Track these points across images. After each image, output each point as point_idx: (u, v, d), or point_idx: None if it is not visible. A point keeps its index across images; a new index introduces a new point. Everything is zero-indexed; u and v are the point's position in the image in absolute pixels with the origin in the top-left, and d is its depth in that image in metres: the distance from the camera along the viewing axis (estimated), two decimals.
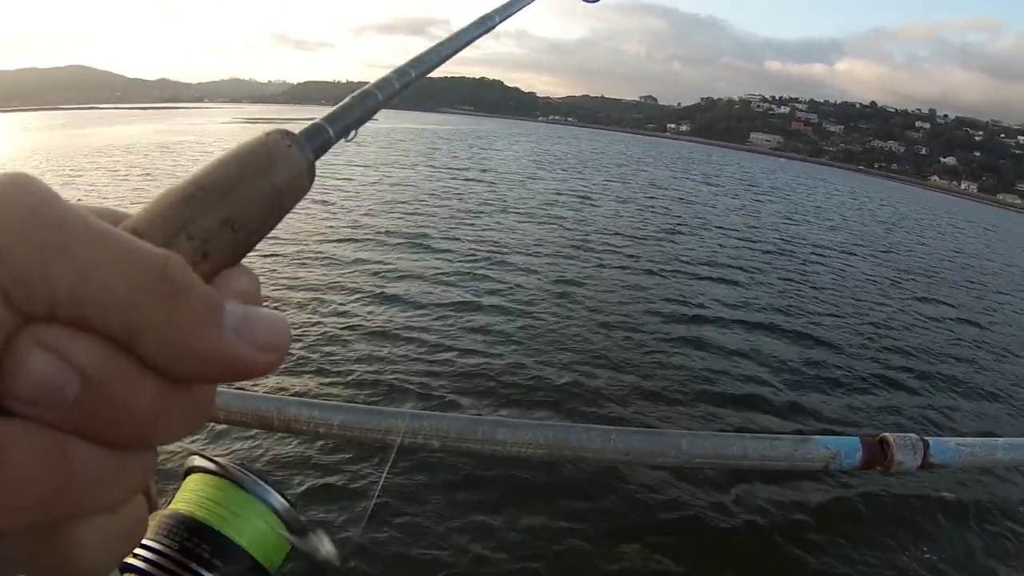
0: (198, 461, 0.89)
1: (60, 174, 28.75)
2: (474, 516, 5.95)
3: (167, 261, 0.31)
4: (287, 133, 0.43)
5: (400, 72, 0.65)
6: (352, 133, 0.54)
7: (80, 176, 28.37)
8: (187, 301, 0.31)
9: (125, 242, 0.31)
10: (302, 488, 6.01)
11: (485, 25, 0.89)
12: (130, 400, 0.30)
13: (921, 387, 10.62)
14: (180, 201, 0.36)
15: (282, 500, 0.87)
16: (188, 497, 0.85)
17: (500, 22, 0.95)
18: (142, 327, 0.30)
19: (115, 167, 32.72)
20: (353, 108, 0.55)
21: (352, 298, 11.61)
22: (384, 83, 0.62)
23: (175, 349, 0.31)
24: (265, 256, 13.91)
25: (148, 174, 29.92)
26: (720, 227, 26.37)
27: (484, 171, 39.26)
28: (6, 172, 0.30)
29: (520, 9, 1.10)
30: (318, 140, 0.48)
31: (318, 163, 0.46)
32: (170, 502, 0.87)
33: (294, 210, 0.42)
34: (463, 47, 0.81)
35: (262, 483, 0.86)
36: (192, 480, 0.88)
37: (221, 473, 0.87)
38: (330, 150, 0.50)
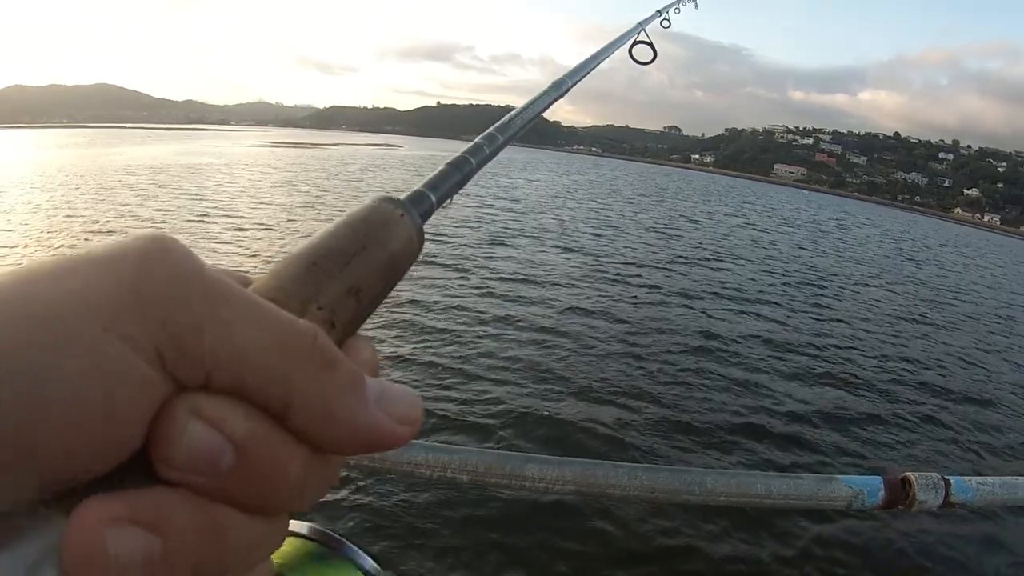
0: (290, 525, 0.91)
1: (92, 192, 28.98)
2: (492, 549, 5.96)
3: (316, 334, 0.32)
4: (398, 201, 0.44)
5: (489, 137, 0.69)
6: (450, 200, 0.56)
7: (112, 194, 28.55)
8: (336, 373, 0.32)
9: (276, 313, 0.32)
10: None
11: (559, 89, 0.96)
12: (282, 470, 0.31)
13: (944, 424, 10.53)
14: (306, 270, 0.36)
15: (373, 564, 0.88)
16: (281, 559, 0.87)
17: (572, 85, 1.01)
18: (296, 398, 0.30)
19: (143, 186, 32.95)
20: (451, 174, 0.57)
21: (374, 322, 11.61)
22: (475, 149, 0.65)
23: (325, 420, 0.31)
24: None
25: (177, 195, 30.06)
26: (747, 259, 26.31)
27: (515, 200, 39.30)
28: (150, 234, 0.31)
29: (589, 72, 1.15)
30: (423, 206, 0.49)
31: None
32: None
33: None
34: (542, 111, 0.88)
35: (354, 547, 0.88)
36: (284, 545, 0.89)
37: (313, 537, 0.88)
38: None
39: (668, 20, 2.39)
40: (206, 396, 0.29)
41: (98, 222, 20.76)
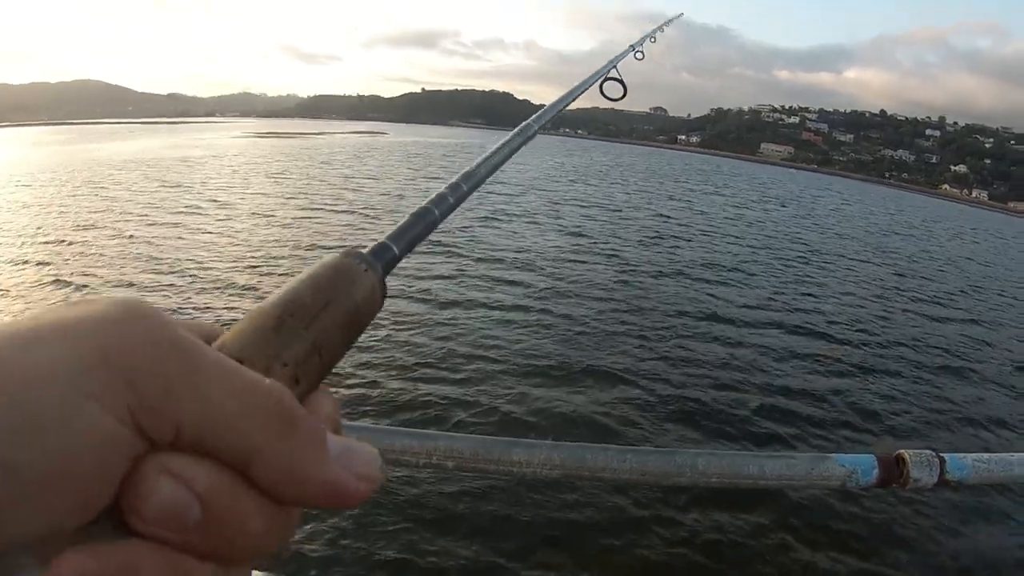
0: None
1: (80, 188, 29.20)
2: (483, 535, 5.96)
3: (281, 394, 0.34)
4: (360, 255, 0.46)
5: (453, 187, 0.69)
6: (412, 251, 0.57)
7: (100, 190, 28.69)
8: (299, 432, 0.34)
9: (242, 374, 0.33)
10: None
11: (525, 135, 0.96)
12: (246, 523, 0.32)
13: (938, 401, 10.57)
14: (272, 328, 0.37)
15: None
16: None
17: (538, 129, 1.00)
18: (260, 455, 0.32)
19: (131, 180, 33.21)
20: (414, 225, 0.58)
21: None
22: (439, 199, 0.65)
23: (287, 475, 0.33)
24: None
25: (166, 187, 30.41)
26: (733, 236, 26.41)
27: (502, 183, 39.33)
28: (121, 299, 0.32)
29: (556, 114, 1.14)
30: (386, 258, 0.50)
31: None
32: None
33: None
34: (508, 158, 0.88)
35: None
36: None
37: None
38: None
39: (642, 52, 2.39)
40: (175, 455, 0.31)
41: (88, 219, 20.84)
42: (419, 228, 0.58)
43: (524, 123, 0.98)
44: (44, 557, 0.28)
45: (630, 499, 6.53)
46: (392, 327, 10.85)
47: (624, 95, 1.92)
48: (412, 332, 10.77)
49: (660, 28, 2.81)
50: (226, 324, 0.33)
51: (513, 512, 6.21)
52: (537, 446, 1.26)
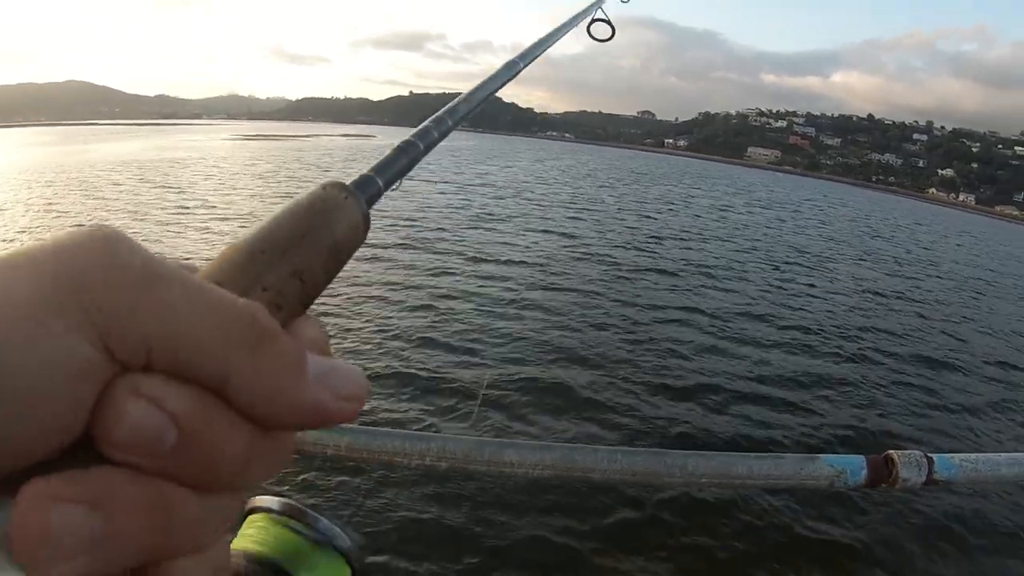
0: (260, 501, 0.89)
1: (72, 189, 29.04)
2: (470, 536, 5.96)
3: (256, 311, 0.33)
4: (342, 185, 0.44)
5: (437, 120, 0.68)
6: (398, 183, 0.56)
7: (93, 191, 28.61)
8: (276, 350, 0.32)
9: (214, 292, 0.32)
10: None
11: (511, 71, 0.93)
12: (225, 446, 0.31)
13: (926, 401, 10.61)
14: (251, 254, 0.37)
15: (344, 536, 0.87)
16: (254, 537, 0.85)
17: (524, 67, 0.98)
18: (235, 375, 0.31)
19: (123, 181, 33.13)
20: (398, 158, 0.57)
21: (366, 304, 11.61)
22: (423, 132, 0.64)
23: (266, 396, 0.32)
24: None
25: (158, 188, 30.32)
26: (720, 239, 26.50)
27: (491, 186, 39.27)
28: (90, 227, 0.31)
29: (543, 51, 1.13)
30: (370, 190, 0.49)
31: None
32: (232, 542, 0.86)
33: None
34: (493, 92, 0.86)
35: (325, 520, 0.86)
36: (255, 520, 0.87)
37: (283, 511, 0.86)
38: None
39: None
40: (145, 375, 0.30)
41: (75, 221, 20.74)
42: (403, 161, 0.57)
43: (510, 59, 0.97)
44: (15, 488, 0.27)
45: (620, 499, 6.54)
46: (378, 323, 10.85)
47: (612, 36, 1.91)
48: (401, 335, 10.76)
49: None
50: None
51: (504, 513, 6.22)
52: (529, 447, 1.27)
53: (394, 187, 0.55)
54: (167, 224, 20.35)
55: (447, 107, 0.73)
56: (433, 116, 0.69)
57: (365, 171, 0.51)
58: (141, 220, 20.87)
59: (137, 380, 0.29)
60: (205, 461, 0.30)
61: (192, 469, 0.30)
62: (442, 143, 0.68)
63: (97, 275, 0.29)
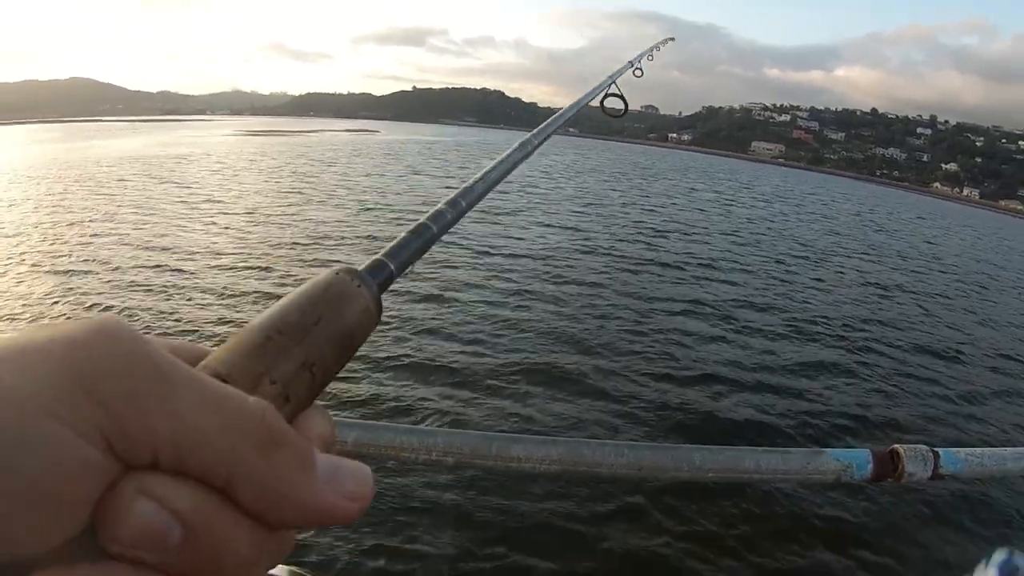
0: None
1: (82, 186, 29.21)
2: (480, 530, 5.97)
3: (264, 411, 0.32)
4: (355, 272, 0.44)
5: (451, 203, 0.68)
6: (411, 267, 0.55)
7: (106, 188, 28.70)
8: (284, 451, 0.32)
9: (222, 392, 0.32)
10: None
11: (525, 150, 0.95)
12: (230, 546, 0.31)
13: (932, 395, 10.60)
14: (260, 345, 0.36)
15: None
16: None
17: (538, 144, 0.99)
18: (242, 475, 0.31)
19: (129, 177, 33.45)
20: (411, 242, 0.57)
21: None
22: (437, 215, 0.64)
23: (273, 497, 0.32)
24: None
25: (164, 183, 30.66)
26: (724, 232, 26.49)
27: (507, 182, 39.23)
28: (95, 318, 0.31)
29: (556, 129, 1.14)
30: (381, 276, 0.49)
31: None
32: None
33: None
34: (508, 173, 0.87)
35: None
36: None
37: None
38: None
39: (641, 69, 2.40)
40: (152, 474, 0.29)
41: (80, 217, 20.93)
42: (416, 245, 0.57)
43: (524, 138, 0.98)
44: None
45: (627, 494, 6.54)
46: (388, 321, 10.85)
47: (625, 111, 1.93)
48: (408, 327, 10.76)
49: (657, 47, 2.83)
50: (216, 337, 0.34)
51: (511, 507, 6.22)
52: (536, 442, 1.27)
53: (407, 272, 0.54)
54: (173, 220, 20.42)
55: (461, 188, 0.73)
56: (447, 198, 0.69)
57: (377, 256, 0.51)
58: (149, 216, 20.99)
59: (143, 479, 0.29)
60: (210, 560, 0.30)
61: (197, 567, 0.30)
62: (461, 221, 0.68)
63: (106, 375, 0.29)
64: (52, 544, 0.28)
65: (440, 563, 5.55)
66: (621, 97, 1.91)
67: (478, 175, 0.78)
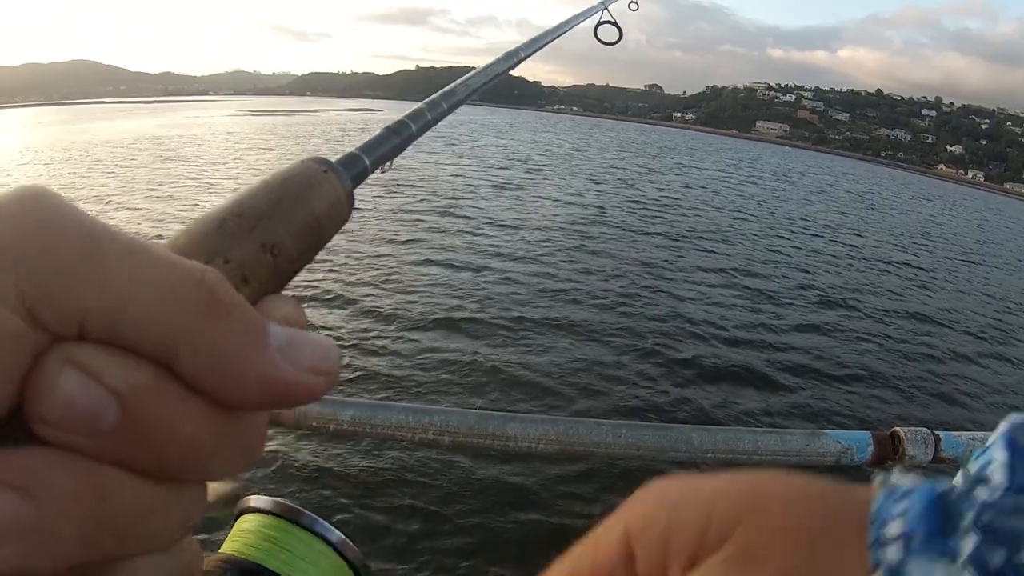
0: (252, 501, 0.86)
1: (92, 167, 29.24)
2: (476, 514, 5.97)
3: (204, 273, 0.29)
4: (323, 160, 0.42)
5: (431, 104, 0.67)
6: (387, 164, 0.54)
7: (117, 168, 28.65)
8: (228, 316, 0.29)
9: (157, 253, 0.29)
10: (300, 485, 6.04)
11: (512, 59, 0.92)
12: (175, 425, 0.27)
13: (934, 379, 10.59)
14: (216, 225, 0.34)
15: (343, 538, 0.84)
16: (244, 539, 0.82)
17: (525, 57, 0.97)
18: (182, 344, 0.28)
19: (138, 157, 33.48)
20: (388, 138, 0.54)
21: (372, 283, 11.60)
22: (417, 114, 0.63)
23: (218, 369, 0.28)
24: None
25: (172, 162, 30.70)
26: (729, 210, 26.47)
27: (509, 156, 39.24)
28: (19, 186, 0.28)
29: (546, 44, 1.11)
30: (355, 169, 0.47)
31: None
32: (222, 545, 0.84)
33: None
34: (491, 81, 0.85)
35: (323, 522, 0.83)
36: (246, 521, 0.84)
37: (278, 512, 0.83)
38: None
39: (636, 3, 2.33)
40: (82, 345, 0.26)
41: (94, 195, 21.05)
42: (394, 142, 0.55)
43: (512, 48, 0.96)
44: None
45: (623, 474, 6.54)
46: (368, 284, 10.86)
47: (620, 39, 1.88)
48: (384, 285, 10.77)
49: None
50: None
51: (508, 486, 6.23)
52: (532, 421, 1.26)
53: (383, 168, 0.53)
54: (182, 201, 20.50)
55: (443, 90, 0.72)
56: (428, 99, 0.68)
57: (351, 149, 0.49)
58: (159, 197, 21.03)
59: (71, 349, 0.26)
60: (153, 443, 0.27)
61: (138, 452, 0.27)
62: (450, 116, 0.67)
63: (28, 236, 0.26)
64: None
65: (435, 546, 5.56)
66: (615, 25, 1.86)
67: (461, 80, 0.77)
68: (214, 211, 0.36)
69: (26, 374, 0.26)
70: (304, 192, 0.39)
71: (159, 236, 14.00)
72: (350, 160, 0.47)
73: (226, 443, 0.30)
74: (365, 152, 0.50)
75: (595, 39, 1.89)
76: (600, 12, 1.82)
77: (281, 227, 0.36)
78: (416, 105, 0.65)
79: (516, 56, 0.96)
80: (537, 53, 1.00)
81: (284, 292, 0.38)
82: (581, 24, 1.60)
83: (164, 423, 0.27)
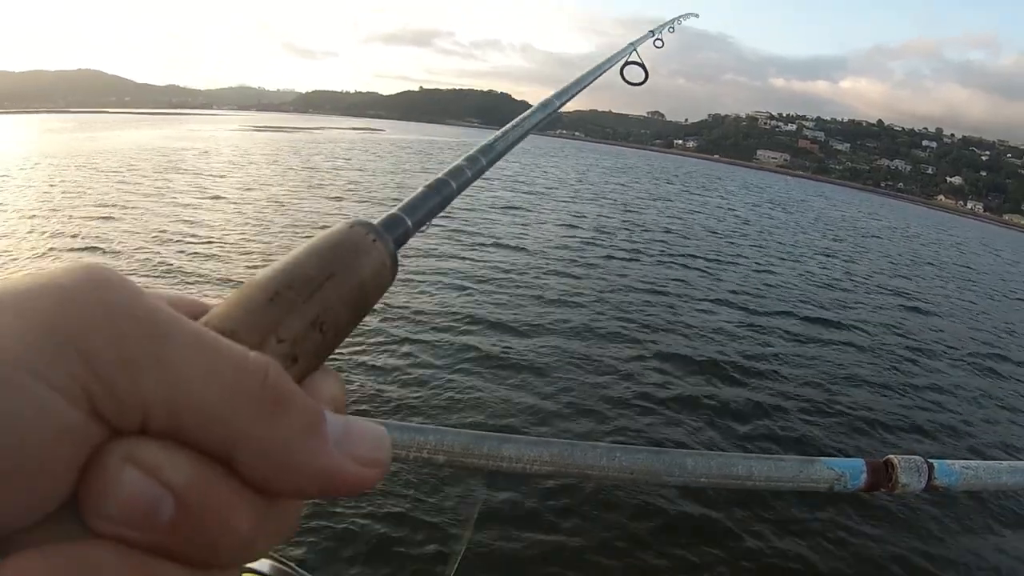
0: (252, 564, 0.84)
1: (99, 174, 29.44)
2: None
3: (267, 369, 0.29)
4: (370, 226, 0.41)
5: (471, 160, 0.66)
6: (428, 224, 0.53)
7: (123, 177, 28.92)
8: (291, 413, 0.29)
9: (221, 346, 0.29)
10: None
11: (546, 110, 0.93)
12: (229, 521, 0.28)
13: (929, 410, 10.58)
14: (267, 299, 0.34)
15: None
16: None
17: (560, 105, 0.98)
18: (242, 441, 0.28)
19: (143, 167, 33.86)
20: (429, 197, 0.54)
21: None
22: (457, 171, 0.61)
23: (277, 464, 0.28)
24: None
25: (176, 174, 31.04)
26: (720, 235, 26.49)
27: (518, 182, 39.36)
28: (80, 264, 0.28)
29: (578, 92, 1.13)
30: (397, 231, 0.46)
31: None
32: None
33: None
34: (528, 133, 0.84)
35: None
36: None
37: None
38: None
39: (662, 40, 2.38)
40: (142, 441, 0.26)
41: (99, 201, 21.41)
42: (435, 201, 0.54)
43: (545, 98, 0.97)
44: None
45: (618, 497, 6.53)
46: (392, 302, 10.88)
47: (645, 80, 1.90)
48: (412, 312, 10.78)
49: (679, 19, 2.80)
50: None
51: (502, 511, 6.21)
52: (527, 442, 1.26)
53: (423, 229, 0.52)
54: (187, 206, 20.65)
55: (481, 145, 0.71)
56: (467, 154, 0.67)
57: (393, 210, 0.48)
58: (165, 205, 21.16)
59: (131, 446, 0.26)
60: (205, 538, 0.27)
61: (191, 545, 0.27)
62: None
63: (91, 326, 0.26)
64: (29, 520, 0.25)
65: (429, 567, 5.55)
66: (642, 66, 1.87)
67: (499, 133, 0.76)
68: (264, 278, 0.35)
69: (83, 467, 0.26)
70: (353, 261, 0.38)
71: (208, 240, 14.09)
72: (393, 222, 0.46)
73: (271, 529, 0.30)
74: (407, 213, 0.49)
75: (621, 79, 1.90)
76: (629, 54, 1.84)
77: (331, 300, 0.36)
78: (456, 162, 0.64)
79: (551, 105, 0.97)
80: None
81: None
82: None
83: (218, 519, 0.27)
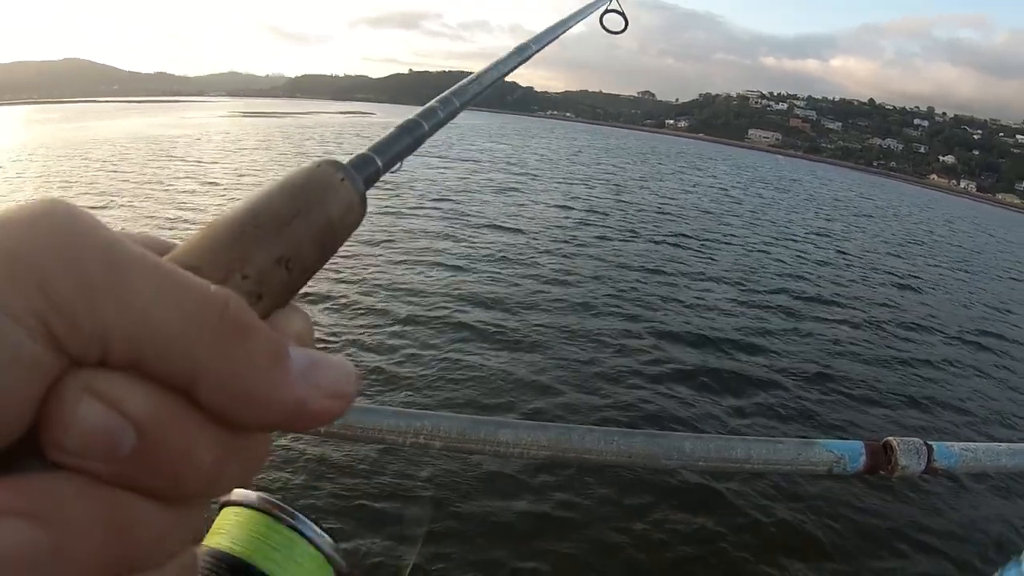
0: (236, 495, 0.84)
1: (89, 164, 29.30)
2: (467, 519, 5.95)
3: (228, 300, 0.29)
4: (338, 164, 0.41)
5: (444, 101, 0.64)
6: (399, 164, 0.52)
7: (113, 166, 28.75)
8: (252, 343, 0.29)
9: (182, 278, 0.29)
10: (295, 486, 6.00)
11: (523, 55, 0.90)
12: (191, 452, 0.27)
13: (927, 390, 10.59)
14: (232, 236, 0.34)
15: (328, 539, 0.83)
16: (227, 533, 0.80)
17: (536, 51, 0.95)
18: (203, 371, 0.27)
19: (134, 155, 33.62)
20: (400, 138, 0.53)
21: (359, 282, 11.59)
22: (429, 112, 0.60)
23: (240, 395, 0.28)
24: None
25: (168, 160, 30.87)
26: (715, 213, 26.48)
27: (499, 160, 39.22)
28: (40, 199, 0.28)
29: (555, 38, 1.10)
30: (367, 171, 0.46)
31: None
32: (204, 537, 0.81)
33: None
34: (502, 76, 0.82)
35: (307, 520, 0.82)
36: (229, 514, 0.83)
37: (262, 508, 0.82)
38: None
39: None
40: (101, 372, 0.26)
41: (90, 191, 21.26)
42: (406, 141, 0.53)
43: (522, 43, 0.94)
44: None
45: (615, 481, 6.52)
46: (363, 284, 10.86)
47: (625, 28, 1.87)
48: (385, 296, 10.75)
49: None
50: None
51: (498, 495, 6.20)
52: (524, 427, 1.26)
53: (394, 169, 0.51)
54: (181, 191, 20.63)
55: (455, 87, 0.68)
56: (440, 96, 0.64)
57: (363, 150, 0.47)
58: (156, 193, 21.26)
59: (90, 377, 0.26)
60: (169, 469, 0.27)
61: (154, 478, 0.27)
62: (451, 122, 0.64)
63: (53, 254, 0.26)
64: None
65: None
66: (622, 14, 1.84)
67: (472, 76, 0.74)
68: (231, 216, 0.35)
69: (42, 399, 0.25)
70: (320, 199, 0.38)
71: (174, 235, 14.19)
72: (362, 161, 0.46)
73: (238, 463, 0.30)
74: (377, 153, 0.48)
75: (600, 27, 1.87)
76: (608, 1, 1.81)
77: (297, 237, 0.36)
78: (425, 105, 0.62)
79: (527, 50, 0.94)
80: (530, 58, 0.99)
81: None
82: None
83: (181, 449, 0.27)
